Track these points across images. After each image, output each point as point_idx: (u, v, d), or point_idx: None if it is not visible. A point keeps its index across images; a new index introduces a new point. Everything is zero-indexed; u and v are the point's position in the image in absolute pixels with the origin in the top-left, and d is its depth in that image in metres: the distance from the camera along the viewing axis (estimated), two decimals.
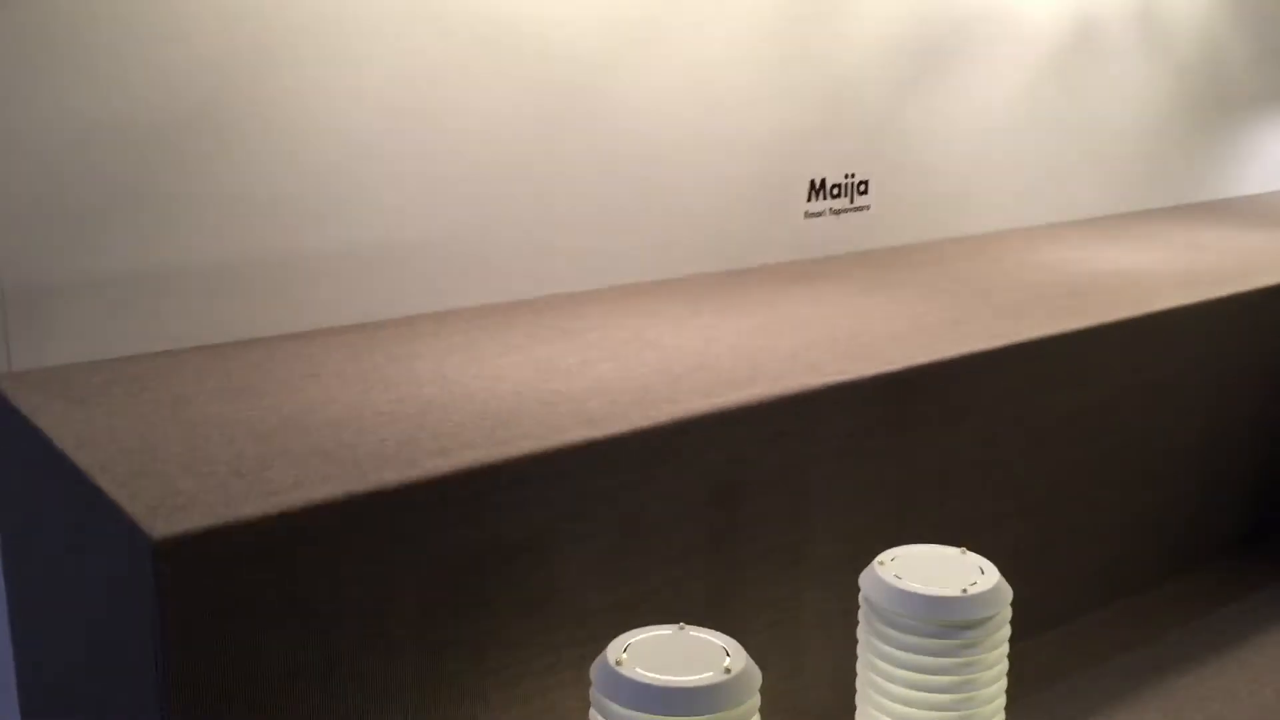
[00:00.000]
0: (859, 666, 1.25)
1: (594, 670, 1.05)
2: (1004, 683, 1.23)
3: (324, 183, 1.51)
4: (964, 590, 1.16)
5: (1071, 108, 2.35)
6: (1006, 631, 1.21)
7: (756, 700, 1.03)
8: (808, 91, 1.94)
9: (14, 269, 1.32)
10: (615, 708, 1.01)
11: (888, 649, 1.19)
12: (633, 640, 1.07)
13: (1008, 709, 1.24)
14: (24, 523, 1.29)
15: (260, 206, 1.46)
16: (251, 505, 0.98)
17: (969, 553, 1.25)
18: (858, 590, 1.24)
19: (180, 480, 1.03)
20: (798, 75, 1.92)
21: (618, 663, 1.03)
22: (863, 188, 2.06)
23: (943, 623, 1.16)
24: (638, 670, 1.01)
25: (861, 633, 1.24)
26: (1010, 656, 1.23)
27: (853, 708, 1.29)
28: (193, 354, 1.42)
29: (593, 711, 1.04)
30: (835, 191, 2.03)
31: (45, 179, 1.32)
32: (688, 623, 1.11)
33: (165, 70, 1.37)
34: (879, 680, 1.21)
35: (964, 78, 2.15)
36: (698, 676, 1.01)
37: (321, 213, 1.51)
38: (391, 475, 1.05)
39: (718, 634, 1.09)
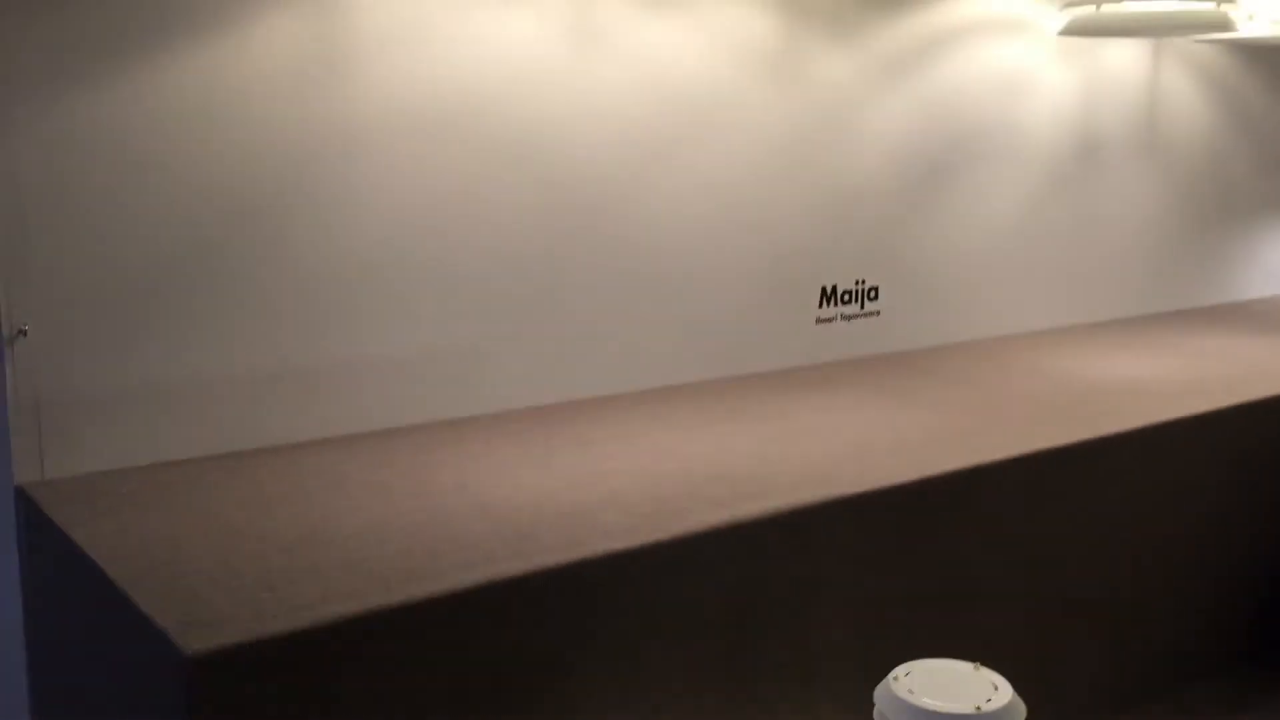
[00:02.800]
0: None
1: None
2: None
3: (346, 294, 1.55)
4: (978, 708, 1.18)
5: (1076, 215, 2.40)
6: None
7: None
8: (819, 202, 2.00)
9: (49, 380, 1.36)
10: None
11: None
12: None
13: None
14: (54, 624, 1.32)
15: (283, 318, 1.51)
16: (281, 620, 1.01)
17: (983, 668, 1.26)
18: (872, 704, 1.25)
19: (210, 594, 1.05)
20: (809, 187, 1.98)
21: None
22: (873, 294, 2.11)
23: None
24: None
25: None
26: None
27: None
28: (220, 461, 1.45)
29: None
30: (846, 298, 2.08)
31: (78, 295, 1.37)
32: None
33: (193, 192, 1.43)
34: None
35: (971, 187, 2.21)
36: None
37: (344, 323, 1.56)
38: (416, 590, 1.08)
39: None
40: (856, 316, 2.10)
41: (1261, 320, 2.55)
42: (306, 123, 1.49)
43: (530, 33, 1.65)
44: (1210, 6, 1.74)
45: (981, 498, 1.52)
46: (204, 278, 1.45)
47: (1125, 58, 2.41)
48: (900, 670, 1.26)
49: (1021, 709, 1.21)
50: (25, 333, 1.33)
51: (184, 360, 1.45)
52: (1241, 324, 2.50)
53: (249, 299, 1.48)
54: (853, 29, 1.98)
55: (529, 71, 1.65)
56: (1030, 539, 1.59)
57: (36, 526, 1.30)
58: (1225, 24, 1.75)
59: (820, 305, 2.05)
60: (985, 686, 1.22)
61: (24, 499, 1.33)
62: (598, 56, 1.71)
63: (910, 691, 1.21)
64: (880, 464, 1.48)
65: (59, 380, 1.37)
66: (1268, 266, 2.84)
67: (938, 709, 1.18)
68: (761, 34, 1.87)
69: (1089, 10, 1.79)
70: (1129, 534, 1.72)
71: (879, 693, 1.24)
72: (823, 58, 1.95)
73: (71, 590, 1.24)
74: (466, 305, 1.66)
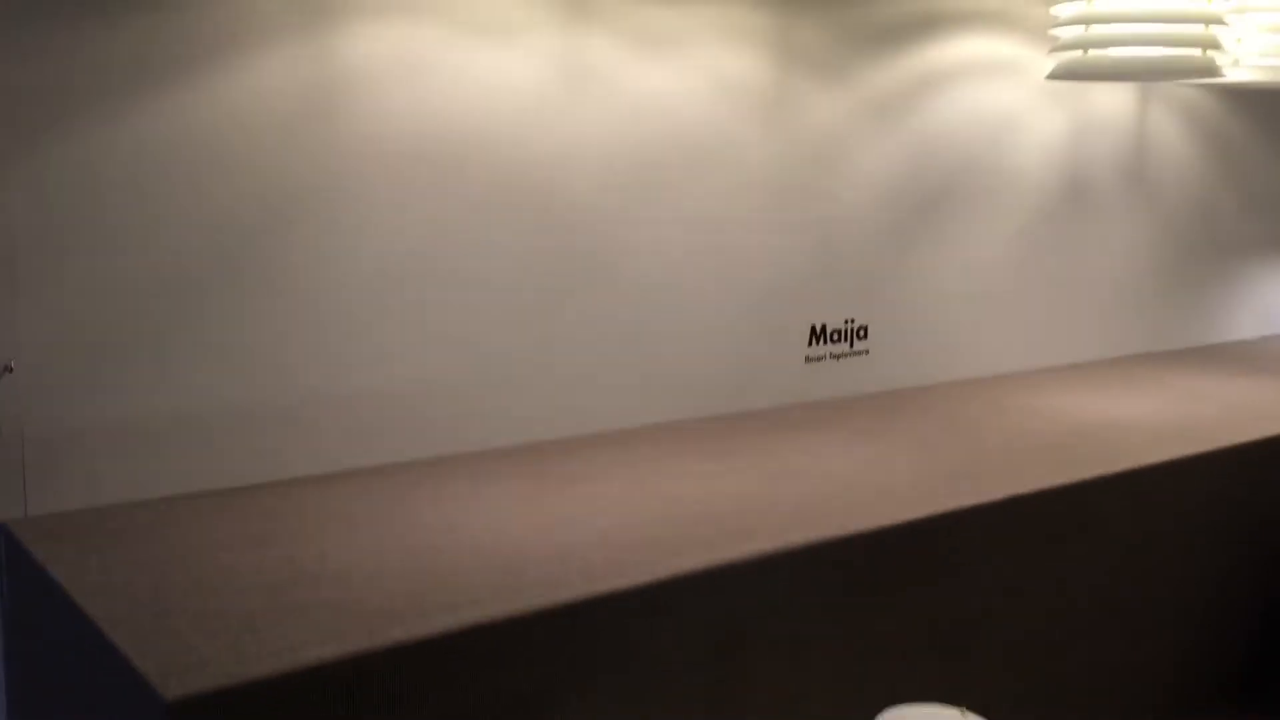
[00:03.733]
0: None
1: None
2: None
3: (333, 331, 1.55)
4: None
5: (1065, 255, 2.41)
6: None
7: None
8: (808, 241, 2.01)
9: (33, 415, 1.36)
10: None
11: None
12: None
13: None
14: (33, 662, 1.31)
15: (270, 354, 1.51)
16: (263, 664, 1.00)
17: (969, 713, 1.26)
18: None
19: (193, 637, 1.05)
20: (799, 226, 1.99)
21: None
22: (862, 333, 2.11)
23: None
24: None
25: None
26: None
27: None
28: (204, 499, 1.45)
29: None
30: (836, 337, 2.08)
31: (64, 330, 1.37)
32: None
33: (179, 229, 1.43)
34: None
35: (960, 227, 2.22)
36: None
37: (331, 360, 1.56)
38: (400, 632, 1.07)
39: None
40: (846, 355, 2.10)
41: (1250, 361, 2.57)
42: (294, 161, 1.50)
43: (521, 72, 1.66)
44: (1196, 53, 1.76)
45: (966, 541, 1.52)
46: (190, 314, 1.45)
47: (1113, 100, 2.43)
48: (886, 715, 1.25)
49: None
50: (11, 369, 1.32)
51: (169, 396, 1.44)
52: (1230, 365, 2.51)
53: (235, 336, 1.48)
54: (842, 70, 1.99)
55: (519, 111, 1.66)
56: (1016, 582, 1.59)
57: (17, 563, 1.30)
58: (1211, 70, 1.77)
59: (810, 344, 2.05)
60: None
61: (5, 535, 1.32)
62: (588, 96, 1.72)
63: None
64: (867, 507, 1.48)
65: (43, 416, 1.37)
66: (1256, 307, 2.86)
67: None
68: (752, 75, 1.88)
69: (1076, 55, 1.81)
70: (1117, 576, 1.72)
71: None
72: (813, 99, 1.96)
73: (52, 629, 1.23)
74: (455, 342, 1.66)
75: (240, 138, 1.45)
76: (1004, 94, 2.23)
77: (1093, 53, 1.79)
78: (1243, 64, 1.97)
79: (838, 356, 2.09)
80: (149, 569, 1.21)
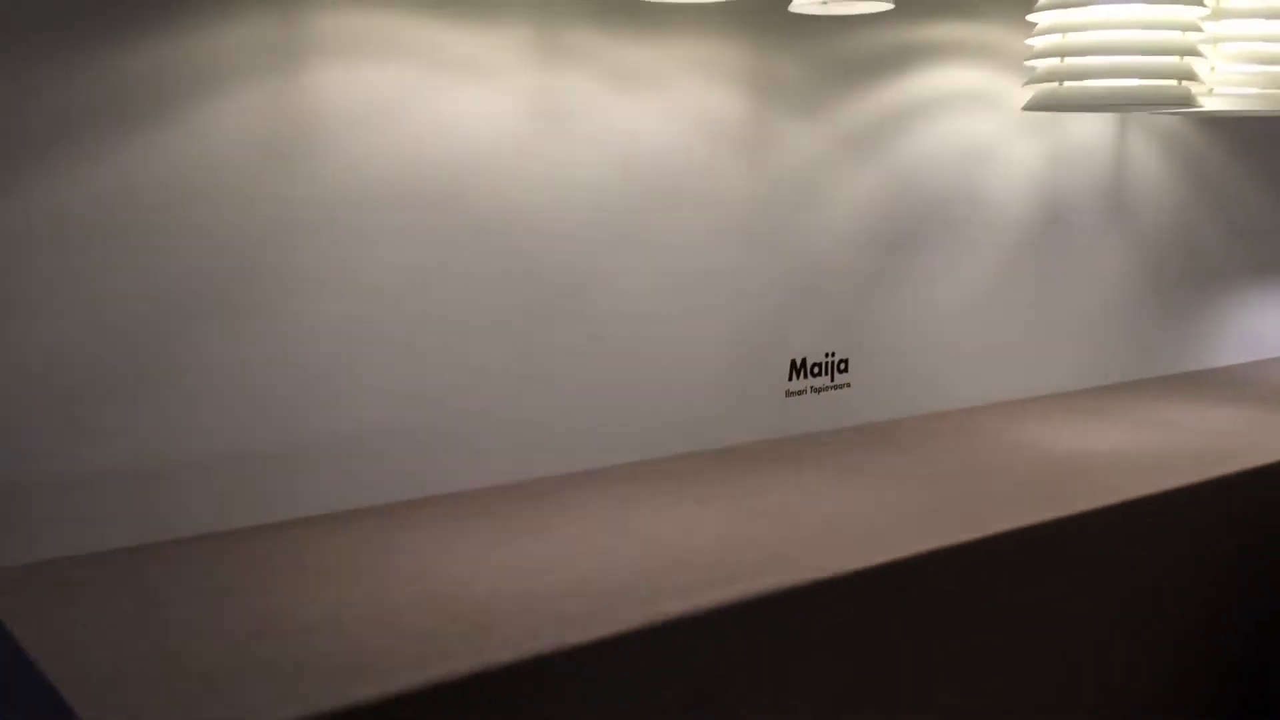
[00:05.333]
0: None
1: None
2: None
3: (306, 374, 1.53)
4: None
5: (1045, 284, 2.40)
6: None
7: None
8: (787, 275, 1.99)
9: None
10: None
11: None
12: None
13: None
14: None
15: (240, 399, 1.49)
16: None
17: None
18: None
19: (152, 698, 1.02)
20: (777, 260, 1.98)
21: None
22: (843, 366, 2.10)
23: None
24: None
25: None
26: None
27: None
28: (171, 548, 1.42)
29: None
30: (816, 370, 2.06)
31: (27, 376, 1.34)
32: None
33: (147, 274, 1.41)
34: None
35: (939, 258, 2.21)
36: None
37: (303, 404, 1.53)
38: (365, 691, 1.04)
39: None
40: (826, 389, 2.08)
41: (1230, 388, 2.56)
42: (265, 204, 1.48)
43: (496, 111, 1.64)
44: (1172, 84, 1.75)
45: (951, 580, 1.50)
46: (157, 360, 1.42)
47: (1091, 129, 2.43)
48: None
49: None
50: None
51: (136, 443, 1.42)
52: (1211, 392, 2.50)
53: (203, 382, 1.46)
54: (819, 104, 1.98)
55: (495, 150, 1.65)
56: (1002, 618, 1.57)
57: None
58: (1187, 100, 1.76)
59: (790, 378, 2.03)
60: None
61: None
62: (564, 134, 1.71)
63: None
64: (848, 547, 1.46)
65: (4, 464, 1.34)
66: (1238, 333, 2.85)
67: None
68: (728, 110, 1.87)
69: (1051, 87, 1.80)
70: (1101, 610, 1.70)
71: None
72: (789, 133, 1.95)
73: (8, 685, 1.19)
74: (430, 384, 1.63)
75: (206, 181, 1.43)
76: (981, 124, 2.22)
77: (1068, 84, 1.79)
78: (1217, 93, 1.97)
79: (818, 390, 2.07)
80: (111, 624, 1.18)
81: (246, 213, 1.46)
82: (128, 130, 1.37)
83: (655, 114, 1.80)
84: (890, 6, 1.68)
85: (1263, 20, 1.95)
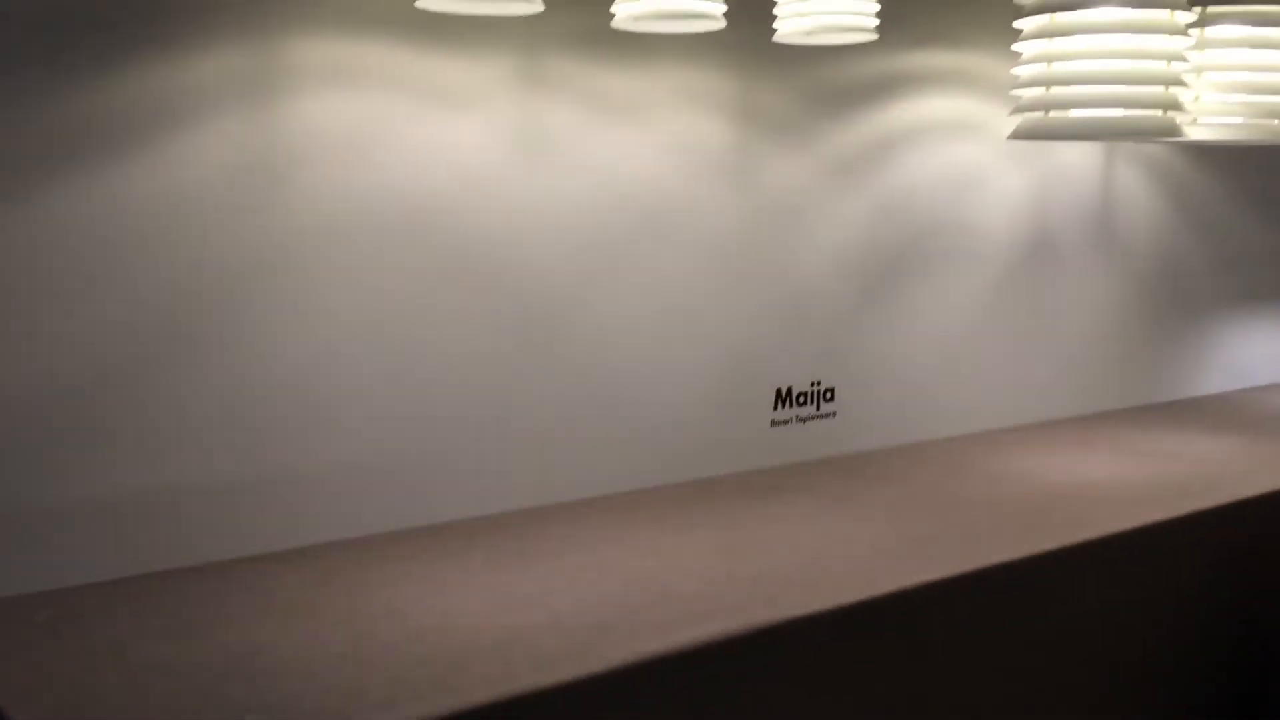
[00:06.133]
0: None
1: None
2: None
3: (283, 406, 1.51)
4: None
5: (1032, 313, 2.39)
6: None
7: None
8: (773, 304, 1.98)
9: None
10: None
11: None
12: None
13: None
14: None
15: (214, 431, 1.46)
16: None
17: None
18: None
19: None
20: (763, 289, 1.96)
21: None
22: (829, 395, 2.08)
23: None
24: None
25: None
26: None
27: None
28: (142, 583, 1.39)
29: None
30: (802, 399, 2.05)
31: None
32: None
33: (121, 306, 1.39)
34: None
35: (926, 286, 2.20)
36: None
37: (280, 435, 1.51)
38: None
39: None
40: (812, 418, 2.07)
41: (1218, 417, 2.55)
42: (242, 234, 1.46)
43: (477, 140, 1.63)
44: (1157, 114, 1.74)
45: (936, 614, 1.48)
46: (129, 393, 1.40)
47: (1078, 156, 2.42)
48: None
49: None
50: None
51: (105, 477, 1.39)
52: (1198, 421, 2.49)
53: (175, 414, 1.43)
54: (804, 132, 1.98)
55: (478, 180, 1.63)
56: (989, 653, 1.55)
57: None
58: (1172, 130, 1.75)
59: (775, 408, 2.02)
60: None
61: None
62: (547, 164, 1.70)
63: None
64: (832, 581, 1.44)
65: None
66: (1223, 362, 2.84)
67: None
68: (712, 139, 1.86)
69: (1037, 116, 1.80)
70: (1090, 645, 1.68)
71: None
72: (774, 162, 1.95)
73: None
74: (406, 415, 1.61)
75: (180, 213, 1.41)
76: (967, 152, 2.22)
77: (1053, 113, 1.78)
78: (1202, 123, 1.97)
79: (804, 420, 2.06)
80: (77, 665, 1.16)
81: (220, 244, 1.44)
82: (100, 163, 1.36)
83: (640, 144, 1.79)
84: (874, 38, 1.67)
85: (1247, 49, 1.95)
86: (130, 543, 1.42)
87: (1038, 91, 1.79)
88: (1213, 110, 1.97)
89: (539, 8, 1.44)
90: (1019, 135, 1.83)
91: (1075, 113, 1.77)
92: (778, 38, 1.68)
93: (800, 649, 1.35)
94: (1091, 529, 1.68)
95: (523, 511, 1.72)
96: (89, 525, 1.38)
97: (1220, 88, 1.96)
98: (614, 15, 1.56)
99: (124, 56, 1.36)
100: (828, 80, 1.99)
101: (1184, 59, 1.74)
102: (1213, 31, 1.95)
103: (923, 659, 1.47)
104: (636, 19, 1.55)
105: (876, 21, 1.65)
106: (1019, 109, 1.82)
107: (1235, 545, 1.89)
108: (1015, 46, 1.81)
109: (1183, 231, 2.67)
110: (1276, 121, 1.97)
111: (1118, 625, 1.72)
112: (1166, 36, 1.71)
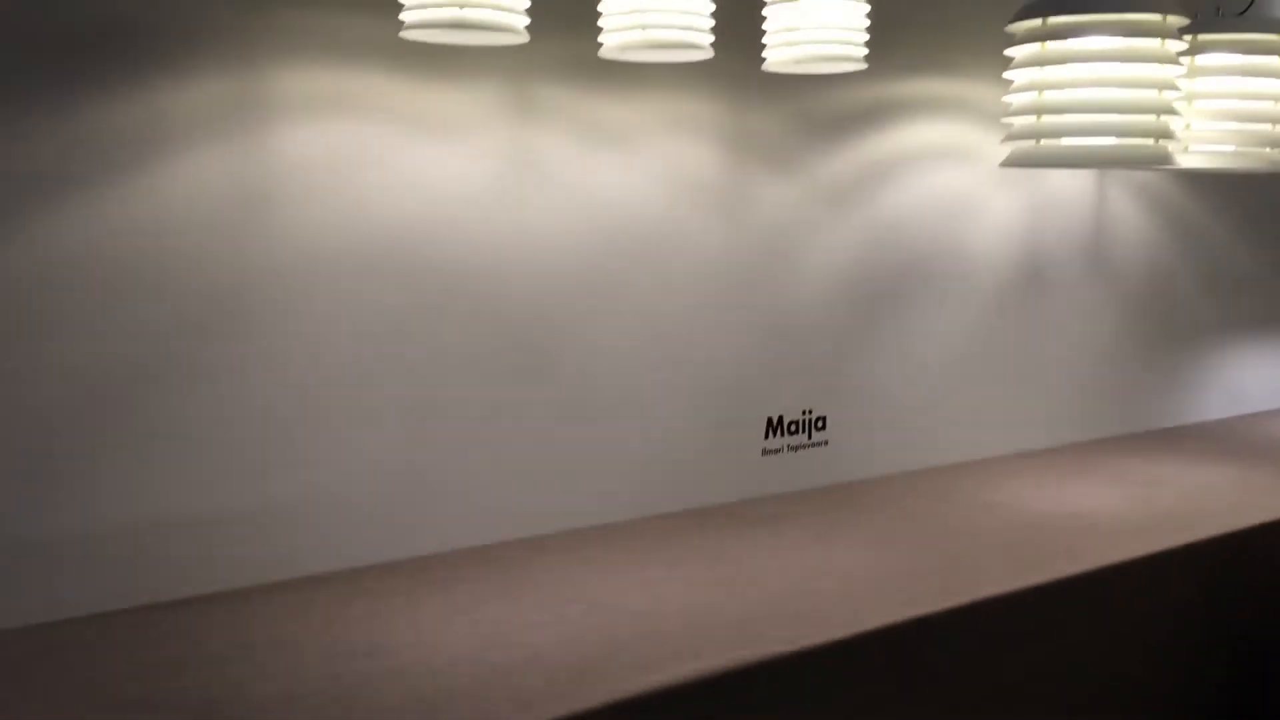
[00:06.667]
0: None
1: None
2: None
3: (267, 437, 1.50)
4: None
5: (1025, 339, 2.38)
6: None
7: None
8: (764, 332, 1.97)
9: None
10: None
11: None
12: None
13: None
14: None
15: (195, 463, 1.45)
16: None
17: None
18: None
19: None
20: (754, 317, 1.95)
21: None
22: (821, 423, 2.07)
23: None
24: None
25: None
26: None
27: None
28: (119, 618, 1.38)
29: None
30: (793, 428, 2.04)
31: None
32: None
33: (107, 336, 1.38)
34: None
35: (918, 313, 2.19)
36: None
37: (264, 467, 1.50)
38: None
39: None
40: (804, 447, 2.05)
41: (1211, 443, 2.53)
42: (230, 262, 1.45)
43: (468, 169, 1.62)
44: (1149, 142, 1.74)
45: (926, 648, 1.46)
46: (110, 424, 1.39)
47: (1070, 182, 2.42)
48: None
49: None
50: None
51: (84, 509, 1.38)
52: (1192, 448, 2.47)
53: (156, 445, 1.42)
54: (795, 160, 1.97)
55: (468, 209, 1.63)
56: (981, 687, 1.53)
57: None
58: (1164, 158, 1.75)
59: (766, 436, 2.00)
60: None
61: None
62: (538, 192, 1.69)
63: None
64: (819, 615, 1.42)
65: None
66: (1217, 388, 2.83)
67: None
68: (704, 167, 1.86)
69: (1029, 144, 1.79)
70: (1082, 676, 1.66)
71: None
72: (766, 189, 1.94)
73: None
74: (396, 445, 1.60)
75: (176, 238, 1.40)
76: (960, 179, 2.21)
77: (1045, 142, 1.77)
78: (1193, 150, 1.96)
79: (795, 448, 2.04)
80: (52, 706, 1.14)
81: (208, 273, 1.43)
82: (90, 193, 1.35)
83: (631, 172, 1.78)
84: (863, 67, 1.66)
85: (1238, 78, 1.94)
86: (113, 577, 1.40)
87: (1029, 119, 1.78)
88: (1204, 138, 1.96)
89: (524, 39, 1.43)
90: (1011, 163, 1.82)
91: (1067, 141, 1.77)
92: (767, 66, 1.68)
93: (788, 686, 1.33)
94: (1084, 561, 1.66)
95: (509, 543, 1.70)
96: (71, 559, 1.37)
97: (1211, 115, 1.95)
98: (602, 45, 1.55)
99: (112, 85, 1.35)
100: (818, 108, 1.99)
101: (1175, 87, 1.74)
102: (1203, 59, 1.95)
103: (912, 691, 1.46)
104: (624, 49, 1.54)
105: (865, 50, 1.65)
106: (1010, 137, 1.81)
107: (1226, 578, 1.87)
108: (1007, 74, 1.80)
109: (1176, 257, 2.67)
110: (1268, 149, 1.97)
111: (1110, 656, 1.70)
112: (1158, 65, 1.71)
